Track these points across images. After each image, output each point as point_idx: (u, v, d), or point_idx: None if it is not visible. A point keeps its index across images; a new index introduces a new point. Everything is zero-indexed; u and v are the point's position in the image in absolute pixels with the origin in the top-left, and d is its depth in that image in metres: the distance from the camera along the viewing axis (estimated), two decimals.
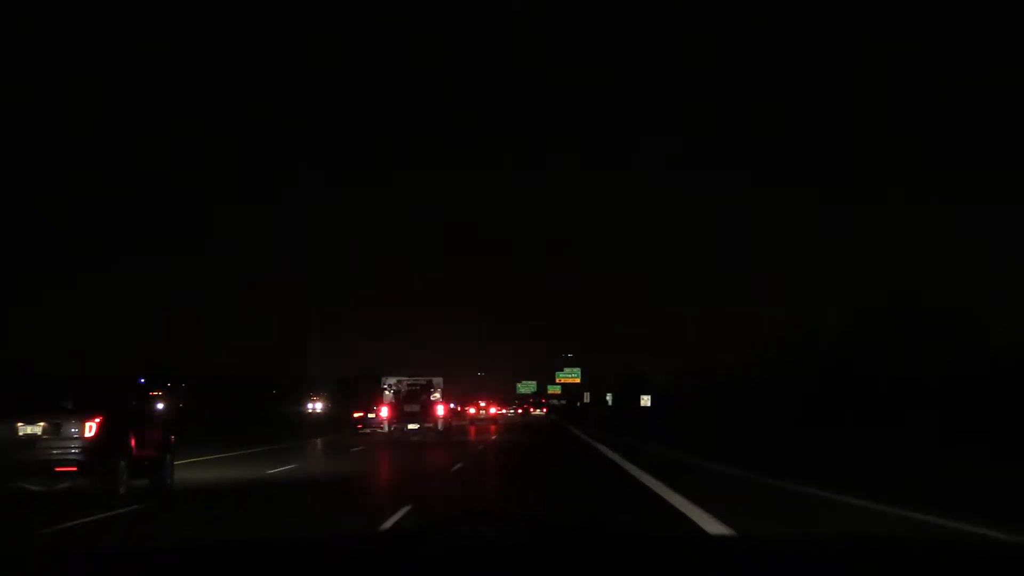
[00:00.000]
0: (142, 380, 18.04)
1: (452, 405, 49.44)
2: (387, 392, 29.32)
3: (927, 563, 1.75)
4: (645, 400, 66.86)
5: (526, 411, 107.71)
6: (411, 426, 28.44)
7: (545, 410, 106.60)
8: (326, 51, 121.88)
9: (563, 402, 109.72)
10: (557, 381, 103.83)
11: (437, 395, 29.35)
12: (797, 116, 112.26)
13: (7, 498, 10.53)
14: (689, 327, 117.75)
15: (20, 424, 10.63)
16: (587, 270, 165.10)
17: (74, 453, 10.57)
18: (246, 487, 13.62)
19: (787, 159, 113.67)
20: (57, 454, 10.61)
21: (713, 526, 8.38)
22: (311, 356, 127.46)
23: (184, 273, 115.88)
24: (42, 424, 10.65)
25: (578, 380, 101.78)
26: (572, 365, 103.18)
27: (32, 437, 10.62)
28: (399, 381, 29.89)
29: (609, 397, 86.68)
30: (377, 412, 30.27)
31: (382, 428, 29.31)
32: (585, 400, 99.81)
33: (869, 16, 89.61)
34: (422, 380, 29.76)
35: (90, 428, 10.65)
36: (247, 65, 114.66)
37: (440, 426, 28.87)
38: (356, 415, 29.77)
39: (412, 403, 28.79)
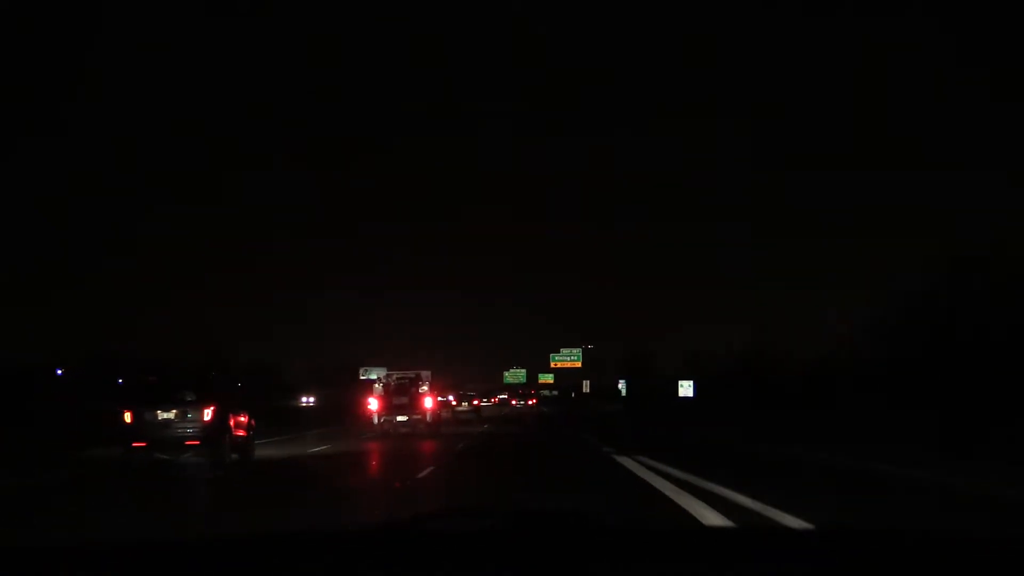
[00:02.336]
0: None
1: (449, 397, 54.19)
2: (377, 385, 34.09)
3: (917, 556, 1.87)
4: (685, 388, 58.31)
5: (502, 403, 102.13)
6: (400, 418, 32.86)
7: (535, 401, 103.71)
8: (326, 51, 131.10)
9: (555, 393, 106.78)
10: (552, 366, 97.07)
11: (425, 388, 33.89)
12: (797, 116, 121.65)
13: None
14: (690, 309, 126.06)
15: (159, 411, 17.25)
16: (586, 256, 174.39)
17: (197, 432, 16.89)
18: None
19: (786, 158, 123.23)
20: (181, 432, 16.98)
21: None
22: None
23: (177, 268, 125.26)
24: (174, 411, 17.01)
25: (579, 364, 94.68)
26: (571, 346, 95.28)
27: (167, 420, 16.99)
28: (388, 375, 34.85)
29: (623, 385, 78.43)
30: (367, 404, 34.76)
31: (372, 420, 33.50)
32: (584, 390, 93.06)
33: (869, 16, 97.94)
34: (411, 373, 34.49)
35: (207, 414, 16.99)
36: (247, 65, 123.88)
37: (428, 418, 33.31)
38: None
39: (401, 396, 33.28)
